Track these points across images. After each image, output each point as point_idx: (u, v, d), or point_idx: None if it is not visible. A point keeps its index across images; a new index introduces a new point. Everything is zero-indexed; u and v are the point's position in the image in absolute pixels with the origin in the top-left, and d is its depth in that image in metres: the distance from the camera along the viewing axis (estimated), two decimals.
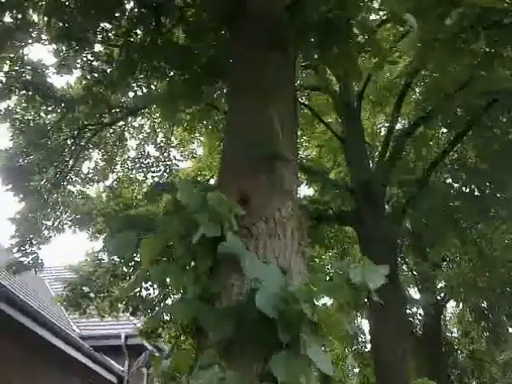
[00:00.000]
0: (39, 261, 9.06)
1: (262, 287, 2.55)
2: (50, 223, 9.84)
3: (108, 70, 8.10)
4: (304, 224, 3.38)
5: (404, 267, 15.59)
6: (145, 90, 8.73)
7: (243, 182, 3.34)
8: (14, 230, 9.10)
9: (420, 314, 16.22)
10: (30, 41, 8.02)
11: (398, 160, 10.61)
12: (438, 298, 15.79)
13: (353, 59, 3.91)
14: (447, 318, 19.85)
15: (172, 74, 5.81)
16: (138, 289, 9.41)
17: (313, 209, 10.71)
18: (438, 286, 15.62)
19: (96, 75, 8.15)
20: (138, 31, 6.58)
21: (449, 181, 11.43)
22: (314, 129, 12.32)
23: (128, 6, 6.77)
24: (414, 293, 17.28)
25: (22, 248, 9.11)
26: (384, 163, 10.21)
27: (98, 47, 8.16)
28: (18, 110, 8.84)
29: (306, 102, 11.92)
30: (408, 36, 7.41)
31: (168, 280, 3.01)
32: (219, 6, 4.22)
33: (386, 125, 12.10)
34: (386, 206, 10.61)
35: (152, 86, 8.20)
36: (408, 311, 15.25)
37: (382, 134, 12.66)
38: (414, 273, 15.83)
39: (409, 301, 15.01)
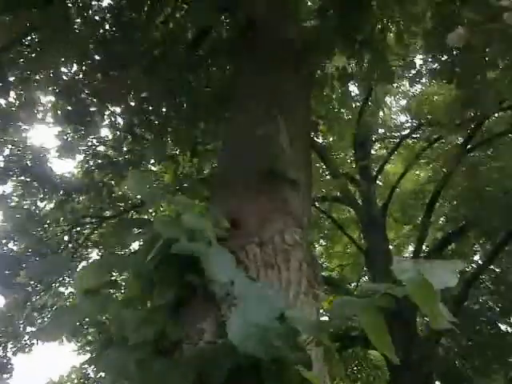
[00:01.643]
0: (8, 366, 7.77)
1: (240, 311, 1.53)
2: (33, 329, 8.68)
3: (113, 156, 7.55)
4: (316, 262, 2.38)
5: None
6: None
7: (236, 202, 2.43)
8: None
9: None
10: (33, 122, 7.60)
11: None
12: None
13: (384, 60, 3.17)
14: None
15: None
16: None
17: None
18: None
19: (99, 161, 7.57)
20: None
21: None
22: (336, 240, 11.39)
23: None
24: None
25: None
26: None
27: (104, 132, 7.70)
28: (13, 197, 8.21)
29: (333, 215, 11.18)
30: None
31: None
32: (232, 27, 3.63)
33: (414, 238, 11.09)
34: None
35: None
36: None
37: (410, 247, 11.63)
38: None
39: None
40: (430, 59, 5.67)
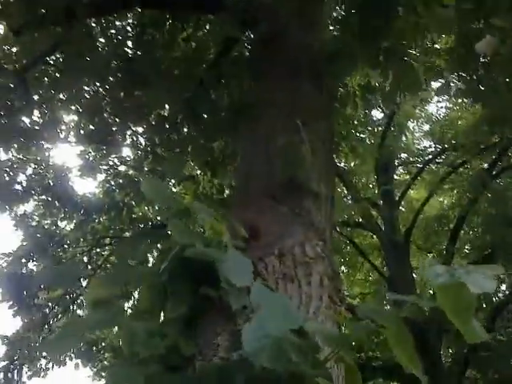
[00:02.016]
0: None
1: (256, 320, 1.41)
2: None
3: (134, 176, 7.53)
4: (338, 277, 2.25)
5: None
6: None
7: (255, 213, 2.32)
8: (4, 351, 7.87)
9: None
10: (56, 141, 7.64)
11: None
12: None
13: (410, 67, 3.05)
14: None
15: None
16: None
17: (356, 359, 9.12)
18: None
19: (120, 181, 7.54)
20: None
21: None
22: (358, 267, 11.14)
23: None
24: None
25: (9, 375, 7.76)
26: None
27: (126, 151, 7.70)
28: (34, 216, 8.21)
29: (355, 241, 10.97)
30: None
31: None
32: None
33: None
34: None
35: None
36: None
37: None
38: None
39: None
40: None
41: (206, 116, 4.58)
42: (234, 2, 3.61)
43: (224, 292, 1.79)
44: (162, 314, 1.91)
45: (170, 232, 1.88)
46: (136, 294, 2.21)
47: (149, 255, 5.01)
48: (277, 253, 2.05)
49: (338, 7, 4.01)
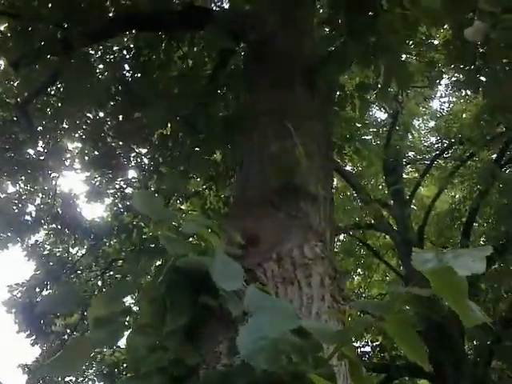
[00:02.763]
0: None
1: (251, 323, 1.40)
2: (72, 378, 8.59)
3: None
4: (340, 276, 2.23)
5: None
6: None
7: (253, 220, 2.32)
8: (26, 380, 7.90)
9: None
10: (62, 170, 7.71)
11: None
12: None
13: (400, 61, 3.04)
14: None
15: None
16: None
17: (378, 359, 9.02)
18: None
19: (128, 203, 7.58)
20: None
21: None
22: (374, 269, 11.06)
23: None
24: None
25: None
26: None
27: (131, 173, 7.74)
28: (46, 245, 8.27)
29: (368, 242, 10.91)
30: None
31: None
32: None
33: None
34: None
35: None
36: None
37: None
38: None
39: None
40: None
41: (203, 130, 4.60)
42: (221, 15, 3.63)
43: (223, 299, 1.78)
44: (163, 326, 1.90)
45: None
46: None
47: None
48: (275, 257, 2.04)
49: (322, 8, 4.03)
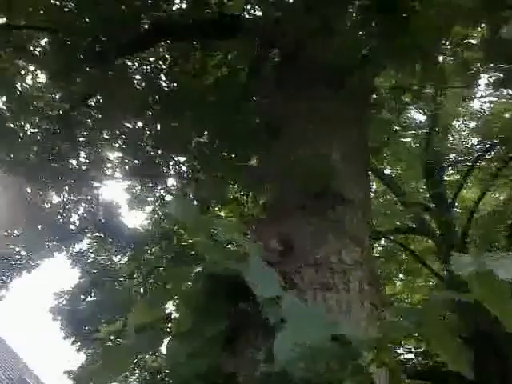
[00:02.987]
0: None
1: (287, 331, 1.39)
2: None
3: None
4: (379, 282, 2.20)
5: None
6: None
7: (288, 225, 2.31)
8: None
9: None
10: (104, 179, 7.88)
11: None
12: None
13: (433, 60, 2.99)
14: None
15: None
16: None
17: (422, 366, 8.83)
18: None
19: (168, 211, 7.67)
20: None
21: None
22: (417, 273, 10.84)
23: None
24: None
25: None
26: None
27: (170, 181, 7.84)
28: (90, 253, 8.48)
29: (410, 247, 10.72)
30: None
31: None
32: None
33: None
34: None
35: None
36: None
37: None
38: None
39: None
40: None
41: (238, 137, 4.63)
42: (253, 22, 3.65)
43: (261, 306, 1.78)
44: (202, 333, 1.91)
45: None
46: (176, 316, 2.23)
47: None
48: (312, 263, 2.03)
49: (355, 11, 3.99)
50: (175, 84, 6.18)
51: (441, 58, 4.12)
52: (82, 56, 5.51)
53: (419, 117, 11.97)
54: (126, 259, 8.62)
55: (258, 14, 6.18)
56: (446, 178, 11.39)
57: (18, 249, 8.78)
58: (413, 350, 9.71)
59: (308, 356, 1.30)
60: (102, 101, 6.90)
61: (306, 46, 3.35)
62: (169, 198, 7.89)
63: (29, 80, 7.13)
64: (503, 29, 2.92)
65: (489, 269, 1.10)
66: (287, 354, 1.30)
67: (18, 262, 8.66)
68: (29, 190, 7.79)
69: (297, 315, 1.47)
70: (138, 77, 6.74)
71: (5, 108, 6.53)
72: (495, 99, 10.83)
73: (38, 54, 5.92)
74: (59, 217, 7.98)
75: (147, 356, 8.92)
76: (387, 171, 10.66)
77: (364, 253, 2.22)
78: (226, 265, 1.67)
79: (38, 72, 6.82)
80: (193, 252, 8.34)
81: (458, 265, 1.16)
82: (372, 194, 10.70)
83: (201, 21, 4.77)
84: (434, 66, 3.05)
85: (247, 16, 6.04)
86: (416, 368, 9.14)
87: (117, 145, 7.69)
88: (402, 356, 9.57)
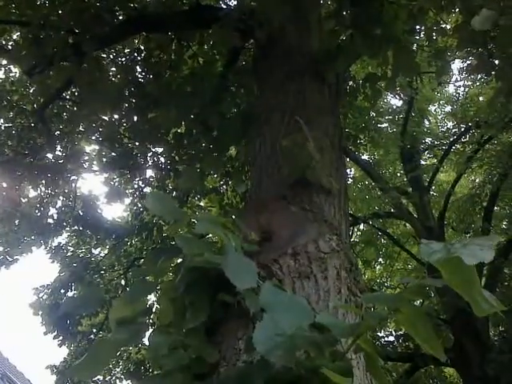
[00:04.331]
0: None
1: (266, 320, 1.42)
2: (99, 377, 8.74)
3: None
4: (356, 269, 2.25)
5: None
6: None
7: (267, 215, 2.34)
8: (55, 380, 8.04)
9: None
10: (81, 172, 7.82)
11: (497, 285, 8.98)
12: None
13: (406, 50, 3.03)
14: None
15: None
16: None
17: (403, 348, 9.00)
18: None
19: None
20: None
21: None
22: (395, 257, 11.00)
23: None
24: None
25: None
26: None
27: (149, 172, 7.81)
28: (69, 247, 8.42)
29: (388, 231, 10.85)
30: None
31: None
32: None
33: None
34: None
35: None
36: None
37: None
38: None
39: None
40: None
41: (216, 128, 4.64)
42: (228, 13, 3.65)
43: (241, 297, 1.81)
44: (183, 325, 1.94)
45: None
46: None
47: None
48: (290, 252, 2.06)
49: (328, 2, 4.03)
50: (151, 75, 6.15)
51: (414, 46, 4.16)
52: (56, 50, 5.44)
53: (395, 102, 12.10)
54: (105, 252, 8.59)
55: (234, 3, 6.18)
56: (422, 161, 11.55)
57: None
58: (393, 332, 9.89)
59: (287, 344, 1.34)
60: (77, 94, 6.84)
61: (282, 36, 3.37)
62: (147, 189, 7.87)
63: (1, 74, 7.03)
64: (472, 19, 2.97)
65: (455, 255, 1.15)
66: (266, 342, 1.32)
67: None
68: (4, 185, 7.70)
69: (276, 304, 1.50)
70: (113, 69, 6.69)
71: None
72: (470, 83, 11.00)
73: (9, 48, 5.82)
74: (37, 211, 7.91)
75: (131, 348, 8.94)
76: (365, 157, 10.77)
77: (342, 240, 2.26)
78: (204, 257, 1.69)
79: (11, 66, 6.72)
80: (173, 243, 8.34)
81: (426, 252, 1.20)
82: (350, 180, 10.81)
83: (176, 12, 4.74)
84: (407, 55, 3.09)
85: (223, 6, 6.03)
86: (397, 350, 9.31)
87: (93, 137, 7.64)
88: (383, 339, 9.74)
